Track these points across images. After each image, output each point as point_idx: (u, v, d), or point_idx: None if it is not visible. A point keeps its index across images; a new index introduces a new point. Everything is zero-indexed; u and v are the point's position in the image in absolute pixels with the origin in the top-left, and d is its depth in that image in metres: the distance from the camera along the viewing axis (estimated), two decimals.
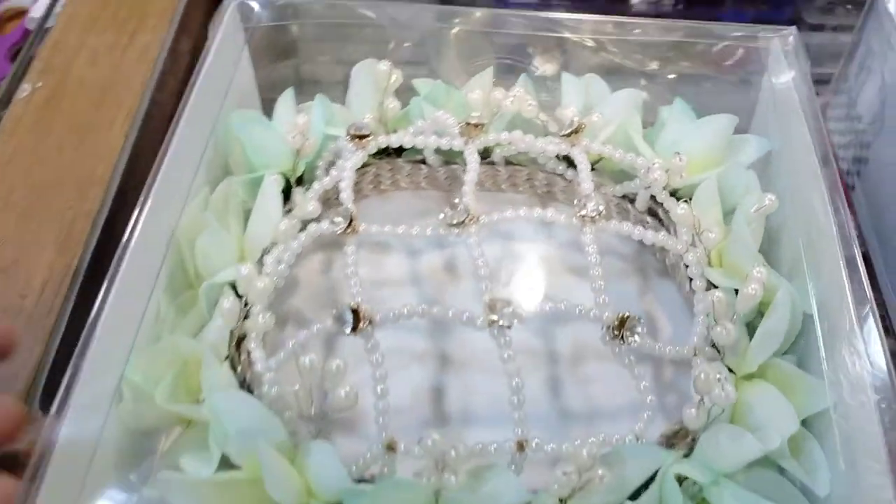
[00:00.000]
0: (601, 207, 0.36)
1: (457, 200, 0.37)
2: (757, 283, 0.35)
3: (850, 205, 0.44)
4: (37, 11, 0.67)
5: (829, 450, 0.33)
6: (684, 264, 0.40)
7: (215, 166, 0.42)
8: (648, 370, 0.39)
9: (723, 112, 0.43)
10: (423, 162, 0.46)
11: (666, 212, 0.42)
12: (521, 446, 0.32)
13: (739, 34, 0.45)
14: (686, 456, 0.34)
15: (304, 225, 0.40)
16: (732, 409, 0.35)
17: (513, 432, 0.32)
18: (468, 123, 0.40)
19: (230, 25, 0.44)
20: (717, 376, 0.32)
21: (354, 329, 0.33)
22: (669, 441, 0.35)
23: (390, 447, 0.32)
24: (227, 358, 0.35)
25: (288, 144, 0.42)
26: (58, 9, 0.60)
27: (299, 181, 0.44)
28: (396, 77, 0.44)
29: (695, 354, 0.36)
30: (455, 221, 0.36)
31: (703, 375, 0.32)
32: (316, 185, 0.40)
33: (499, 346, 0.33)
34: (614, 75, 0.47)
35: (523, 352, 0.34)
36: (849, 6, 0.62)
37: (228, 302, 0.35)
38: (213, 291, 0.37)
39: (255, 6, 0.45)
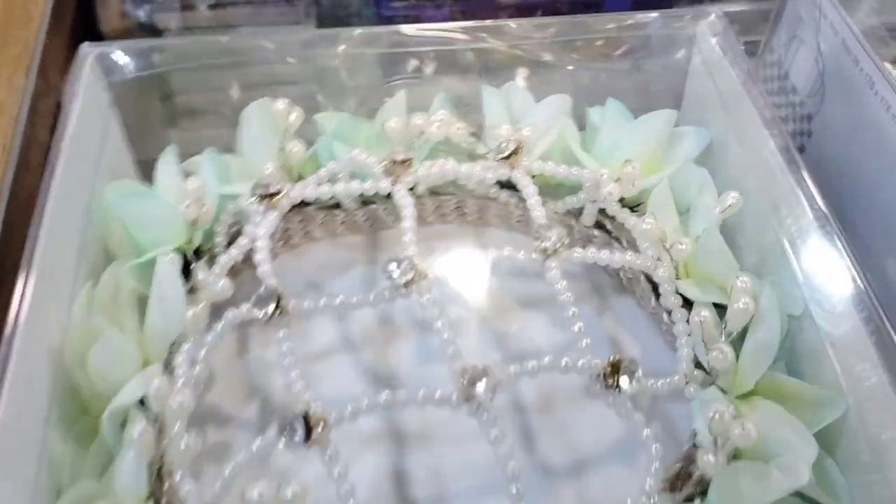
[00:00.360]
0: (565, 238, 0.32)
1: (403, 257, 0.31)
2: (746, 296, 0.31)
3: None
4: None
5: (840, 458, 0.31)
6: (646, 278, 0.37)
7: (95, 254, 0.35)
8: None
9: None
10: (337, 206, 0.40)
11: (614, 222, 0.38)
12: None
13: (661, 18, 0.41)
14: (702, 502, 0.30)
15: (213, 307, 0.34)
16: None
17: None
18: (395, 161, 0.34)
19: (91, 82, 0.37)
20: (734, 414, 0.28)
21: (308, 438, 0.27)
22: (673, 485, 0.31)
23: None
24: (148, 498, 0.29)
25: (179, 215, 0.36)
26: None
27: (197, 253, 0.37)
28: (297, 115, 0.38)
29: (686, 382, 0.32)
30: (404, 282, 0.30)
31: (717, 416, 0.28)
32: (222, 259, 0.34)
33: (481, 424, 0.28)
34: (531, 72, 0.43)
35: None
36: None
37: (139, 429, 0.28)
38: (117, 415, 0.30)
39: (118, 55, 0.38)
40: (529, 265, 0.34)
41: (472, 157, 0.38)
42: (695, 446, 0.31)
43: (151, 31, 0.45)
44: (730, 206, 0.35)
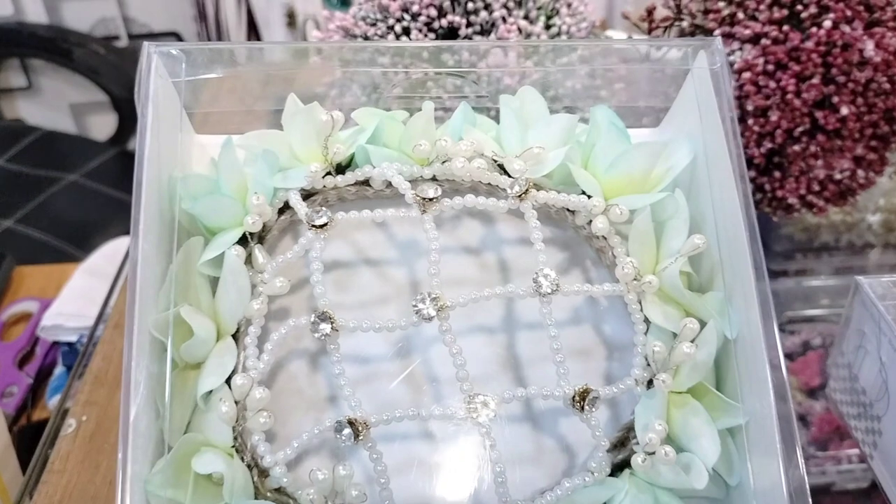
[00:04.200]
0: (556, 282, 0.40)
1: (426, 292, 0.40)
2: (689, 343, 0.40)
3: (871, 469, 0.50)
4: (48, 320, 0.70)
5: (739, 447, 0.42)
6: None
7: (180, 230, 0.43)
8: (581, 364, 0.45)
9: None
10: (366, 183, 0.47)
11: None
12: None
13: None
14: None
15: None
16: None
17: None
18: (423, 198, 0.41)
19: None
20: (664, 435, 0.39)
21: (356, 439, 0.37)
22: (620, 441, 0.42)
23: None
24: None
25: (242, 207, 0.43)
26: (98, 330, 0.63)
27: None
28: (339, 116, 0.44)
29: (636, 384, 0.42)
30: (428, 315, 0.39)
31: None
32: (278, 259, 0.42)
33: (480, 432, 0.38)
34: None
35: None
36: (807, 252, 0.73)
37: (226, 406, 0.39)
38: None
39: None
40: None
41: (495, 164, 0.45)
42: (633, 432, 0.42)
43: None
44: (696, 247, 0.42)
